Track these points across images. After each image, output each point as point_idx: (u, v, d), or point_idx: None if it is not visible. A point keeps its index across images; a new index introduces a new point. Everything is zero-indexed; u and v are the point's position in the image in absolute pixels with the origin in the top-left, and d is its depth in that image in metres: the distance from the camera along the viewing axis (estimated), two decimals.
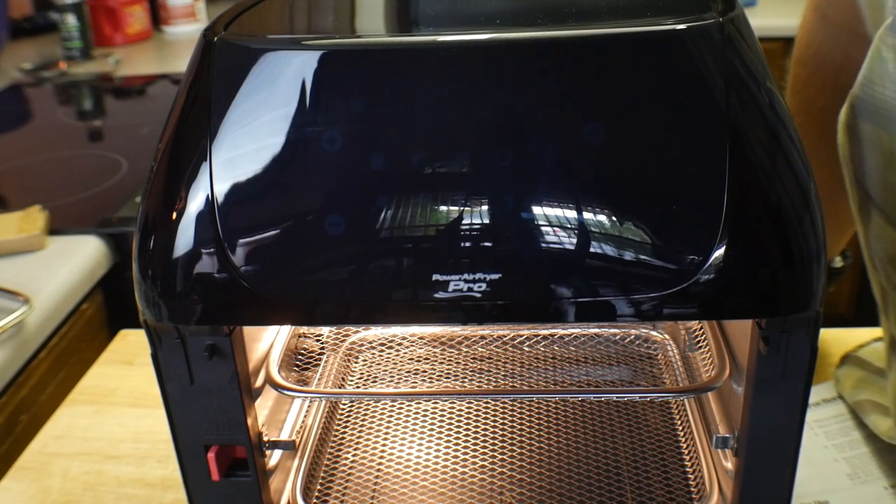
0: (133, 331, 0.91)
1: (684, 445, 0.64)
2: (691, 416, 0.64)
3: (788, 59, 0.77)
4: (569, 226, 0.42)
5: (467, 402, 0.69)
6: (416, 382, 0.72)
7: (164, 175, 0.46)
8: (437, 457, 0.64)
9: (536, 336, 0.74)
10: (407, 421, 0.68)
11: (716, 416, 0.58)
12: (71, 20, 1.86)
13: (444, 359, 0.74)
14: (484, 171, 0.43)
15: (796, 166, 0.43)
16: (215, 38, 0.46)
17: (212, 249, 0.44)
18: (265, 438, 0.54)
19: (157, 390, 0.50)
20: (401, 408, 0.70)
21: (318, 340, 0.73)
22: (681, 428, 0.66)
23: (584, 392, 0.70)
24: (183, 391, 0.49)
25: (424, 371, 0.73)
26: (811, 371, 0.46)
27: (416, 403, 0.70)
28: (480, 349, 0.75)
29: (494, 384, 0.71)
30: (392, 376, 0.73)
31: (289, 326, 0.64)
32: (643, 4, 0.48)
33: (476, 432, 0.66)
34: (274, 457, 0.57)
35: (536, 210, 0.42)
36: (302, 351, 0.69)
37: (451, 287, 0.43)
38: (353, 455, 0.65)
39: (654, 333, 0.74)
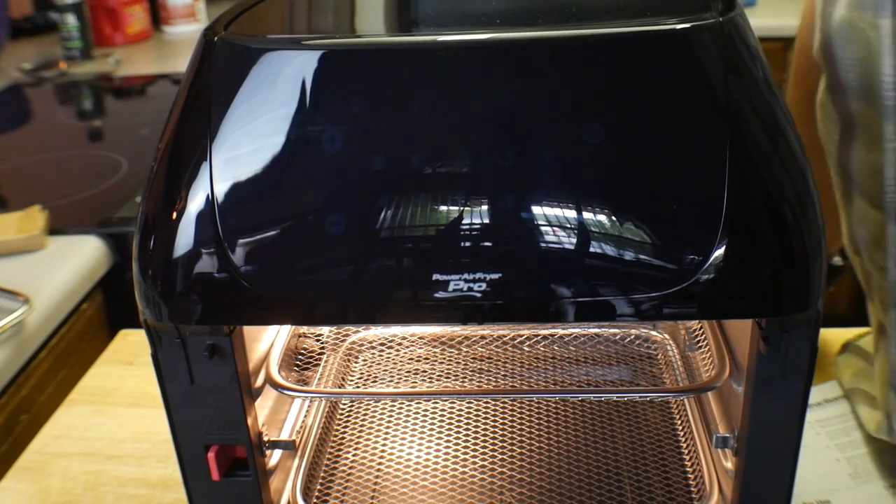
0: (133, 331, 0.91)
1: (684, 445, 0.64)
2: (691, 415, 0.64)
3: (791, 52, 0.77)
4: (569, 225, 0.42)
5: (467, 402, 0.69)
6: (416, 382, 0.72)
7: (164, 175, 0.46)
8: (437, 457, 0.64)
9: (536, 336, 0.74)
10: (407, 421, 0.68)
11: (716, 416, 0.58)
12: (71, 20, 1.85)
13: (444, 359, 0.74)
14: (484, 170, 0.43)
15: (796, 166, 0.43)
16: (215, 38, 0.46)
17: (212, 249, 0.44)
18: (265, 438, 0.54)
19: (157, 390, 0.50)
20: (401, 408, 0.70)
21: (318, 340, 0.73)
22: (681, 428, 0.66)
23: (584, 392, 0.70)
24: (183, 391, 0.49)
25: (424, 371, 0.73)
26: (811, 371, 0.46)
27: (416, 403, 0.70)
28: (480, 349, 0.75)
29: (494, 384, 0.71)
30: (392, 376, 0.73)
31: (289, 326, 0.64)
32: (643, 4, 0.48)
33: (476, 432, 0.66)
34: (274, 457, 0.57)
35: (536, 210, 0.42)
36: (302, 351, 0.69)
37: (452, 287, 0.43)
38: (353, 455, 0.65)
39: (654, 333, 0.74)
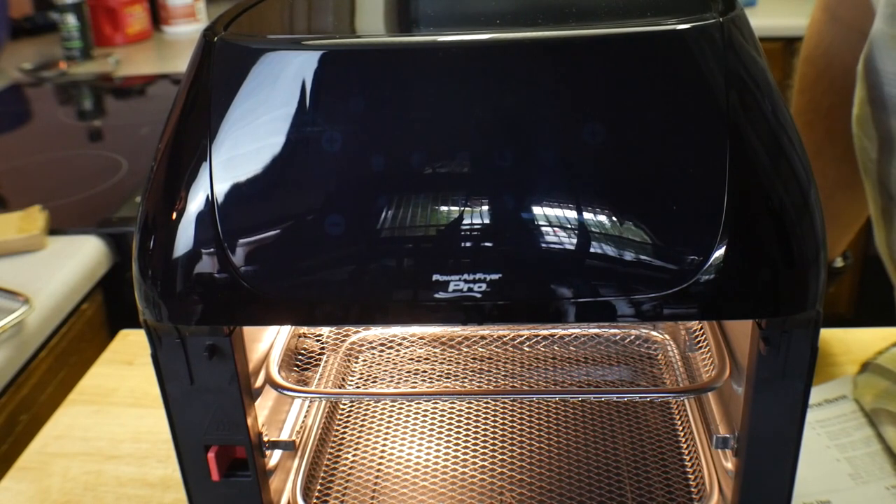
0: (133, 331, 0.91)
1: (684, 445, 0.64)
2: (691, 416, 0.64)
3: (796, 58, 0.77)
4: (569, 226, 0.42)
5: (467, 403, 0.69)
6: (416, 383, 0.72)
7: (164, 175, 0.46)
8: (437, 457, 0.64)
9: (536, 336, 0.74)
10: (407, 421, 0.68)
11: (716, 416, 0.58)
12: (71, 20, 1.86)
13: (444, 359, 0.74)
14: (484, 171, 0.43)
15: (796, 166, 0.43)
16: (215, 38, 0.46)
17: (212, 249, 0.44)
18: (265, 438, 0.54)
19: (157, 390, 0.50)
20: (401, 408, 0.70)
21: (318, 340, 0.73)
22: (681, 428, 0.66)
23: (584, 392, 0.70)
24: (183, 391, 0.49)
25: (424, 371, 0.73)
26: (811, 371, 0.46)
27: (416, 403, 0.70)
28: (480, 349, 0.75)
29: (494, 384, 0.71)
30: (392, 376, 0.73)
31: (289, 326, 0.64)
32: (643, 4, 0.48)
33: (476, 432, 0.66)
34: (274, 457, 0.57)
35: (537, 210, 0.42)
36: (302, 351, 0.69)
37: (452, 287, 0.43)
38: (353, 455, 0.65)
39: (654, 333, 0.74)
